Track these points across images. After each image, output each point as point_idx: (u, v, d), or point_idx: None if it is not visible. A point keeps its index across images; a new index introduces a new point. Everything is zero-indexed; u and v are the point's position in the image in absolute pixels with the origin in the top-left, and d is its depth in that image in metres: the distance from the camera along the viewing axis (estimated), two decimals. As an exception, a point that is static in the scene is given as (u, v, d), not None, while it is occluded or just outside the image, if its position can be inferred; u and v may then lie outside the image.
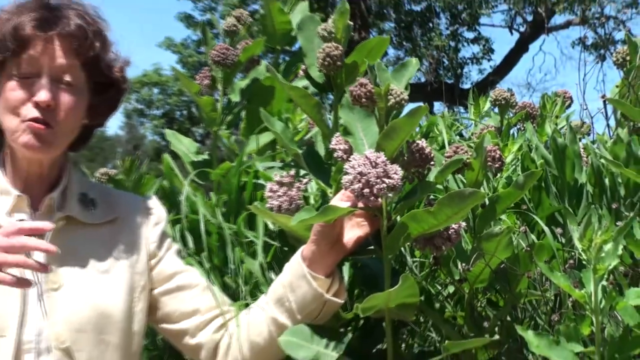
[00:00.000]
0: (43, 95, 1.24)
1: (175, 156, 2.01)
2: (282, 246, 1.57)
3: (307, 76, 1.46)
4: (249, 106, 1.98)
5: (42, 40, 1.26)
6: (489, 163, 1.35)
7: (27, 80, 1.26)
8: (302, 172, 1.50)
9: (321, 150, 1.60)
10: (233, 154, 1.90)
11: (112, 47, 1.37)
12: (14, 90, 1.26)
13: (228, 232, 1.57)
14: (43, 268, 1.16)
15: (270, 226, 1.57)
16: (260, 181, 1.67)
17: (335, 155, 1.29)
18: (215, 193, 1.69)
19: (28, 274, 1.25)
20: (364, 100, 1.26)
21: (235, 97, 2.01)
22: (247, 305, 1.43)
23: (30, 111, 1.25)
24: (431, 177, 1.29)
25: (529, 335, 1.13)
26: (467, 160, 1.31)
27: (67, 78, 1.28)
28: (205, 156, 1.97)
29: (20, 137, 1.26)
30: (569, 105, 1.77)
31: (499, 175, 1.40)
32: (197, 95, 1.95)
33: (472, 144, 1.52)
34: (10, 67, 1.27)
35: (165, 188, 1.78)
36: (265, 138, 1.89)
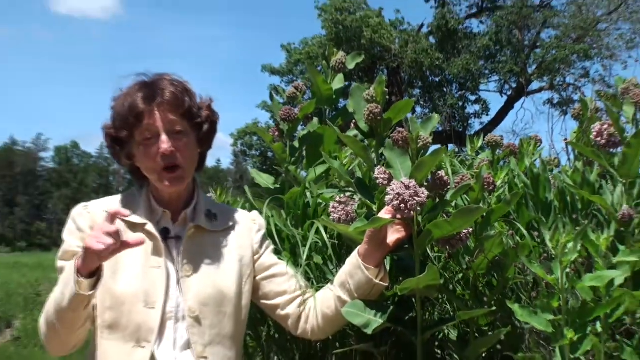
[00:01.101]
0: (164, 146, 1.31)
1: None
2: (339, 245, 1.59)
3: (357, 127, 1.50)
4: (307, 149, 2.02)
5: (150, 110, 1.31)
6: (485, 186, 1.39)
7: (151, 141, 1.32)
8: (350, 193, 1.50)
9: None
10: (297, 182, 1.93)
11: (196, 96, 1.39)
12: (146, 153, 1.33)
13: (298, 236, 1.59)
14: (139, 243, 1.22)
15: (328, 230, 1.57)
16: (319, 200, 1.69)
17: (377, 182, 1.33)
18: (285, 211, 1.72)
19: (171, 269, 1.33)
20: (400, 142, 1.32)
21: (297, 143, 2.05)
22: (320, 287, 1.47)
23: (160, 162, 1.32)
24: (448, 197, 1.32)
25: (516, 307, 1.18)
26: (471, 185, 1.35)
27: (178, 128, 1.33)
28: (277, 185, 2.01)
29: (162, 182, 1.34)
30: (539, 145, 1.77)
31: (492, 195, 1.42)
32: (271, 143, 1.99)
33: (473, 173, 1.51)
34: (137, 136, 1.32)
35: (246, 208, 1.81)
36: (319, 170, 1.92)
